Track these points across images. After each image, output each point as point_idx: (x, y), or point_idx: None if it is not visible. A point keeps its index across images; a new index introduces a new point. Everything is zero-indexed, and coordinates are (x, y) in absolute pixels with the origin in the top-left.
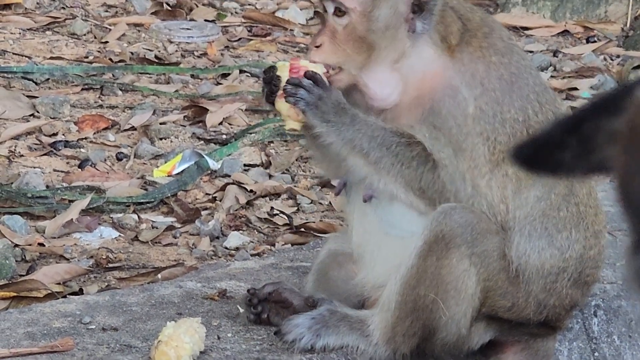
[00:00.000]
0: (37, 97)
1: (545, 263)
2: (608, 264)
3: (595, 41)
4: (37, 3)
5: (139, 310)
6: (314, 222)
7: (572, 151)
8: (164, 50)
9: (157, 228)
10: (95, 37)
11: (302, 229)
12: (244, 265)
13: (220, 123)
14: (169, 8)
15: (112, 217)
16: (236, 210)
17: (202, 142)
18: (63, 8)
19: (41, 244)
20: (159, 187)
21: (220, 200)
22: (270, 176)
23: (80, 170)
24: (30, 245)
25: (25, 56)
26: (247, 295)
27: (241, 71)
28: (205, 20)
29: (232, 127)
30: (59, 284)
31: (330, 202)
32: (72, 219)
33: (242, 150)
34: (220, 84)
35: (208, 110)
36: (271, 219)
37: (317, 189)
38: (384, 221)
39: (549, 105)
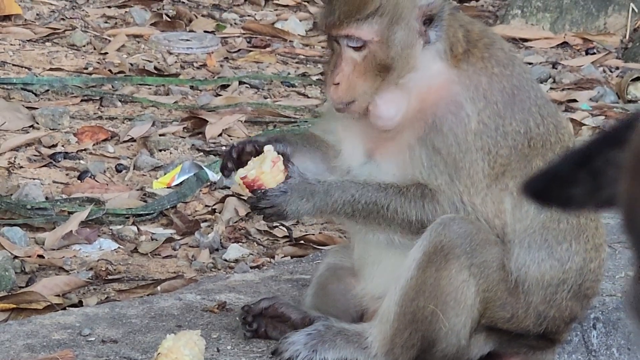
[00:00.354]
0: (36, 108)
1: (545, 274)
2: (607, 276)
3: (594, 53)
4: (37, 14)
5: (139, 322)
6: (313, 235)
7: (583, 186)
8: (164, 61)
9: (156, 240)
10: (94, 49)
11: (302, 242)
12: (244, 277)
13: (220, 134)
14: (169, 19)
15: (111, 229)
16: (236, 222)
17: (201, 153)
18: (63, 19)
19: (41, 256)
20: (158, 198)
21: (219, 212)
22: None
23: (79, 181)
24: (29, 257)
25: (25, 67)
26: (242, 312)
27: (240, 82)
28: (205, 32)
29: (231, 139)
30: (58, 295)
31: None
32: (71, 231)
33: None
34: (220, 95)
35: (207, 121)
36: (271, 231)
37: None
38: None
39: (551, 117)
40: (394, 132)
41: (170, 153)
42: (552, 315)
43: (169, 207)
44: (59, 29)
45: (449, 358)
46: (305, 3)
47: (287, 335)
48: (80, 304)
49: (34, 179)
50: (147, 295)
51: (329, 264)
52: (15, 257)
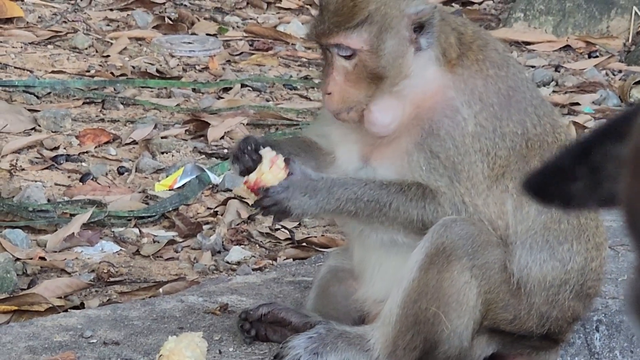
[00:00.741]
0: (38, 110)
1: (547, 275)
2: (610, 279)
3: (597, 56)
4: (39, 17)
5: (141, 324)
6: (315, 237)
7: (583, 182)
8: (166, 64)
9: (158, 242)
10: (96, 51)
11: (304, 244)
12: (246, 279)
13: (222, 137)
14: (171, 22)
15: (113, 231)
16: (238, 224)
17: (203, 156)
18: (65, 22)
19: (42, 258)
20: (160, 201)
21: (221, 215)
22: None
23: (81, 184)
24: (31, 259)
25: (27, 70)
26: (239, 320)
27: (243, 85)
28: (207, 35)
29: (233, 142)
30: (60, 298)
31: None
32: (73, 233)
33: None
34: (222, 98)
35: (209, 124)
36: (273, 233)
37: None
38: (384, 238)
39: (547, 117)
40: (390, 138)
41: (172, 155)
42: (555, 315)
43: (171, 209)
44: (61, 32)
45: None
46: (308, 6)
47: (288, 339)
48: (82, 306)
49: (35, 181)
50: (149, 297)
51: (331, 266)
52: (17, 259)
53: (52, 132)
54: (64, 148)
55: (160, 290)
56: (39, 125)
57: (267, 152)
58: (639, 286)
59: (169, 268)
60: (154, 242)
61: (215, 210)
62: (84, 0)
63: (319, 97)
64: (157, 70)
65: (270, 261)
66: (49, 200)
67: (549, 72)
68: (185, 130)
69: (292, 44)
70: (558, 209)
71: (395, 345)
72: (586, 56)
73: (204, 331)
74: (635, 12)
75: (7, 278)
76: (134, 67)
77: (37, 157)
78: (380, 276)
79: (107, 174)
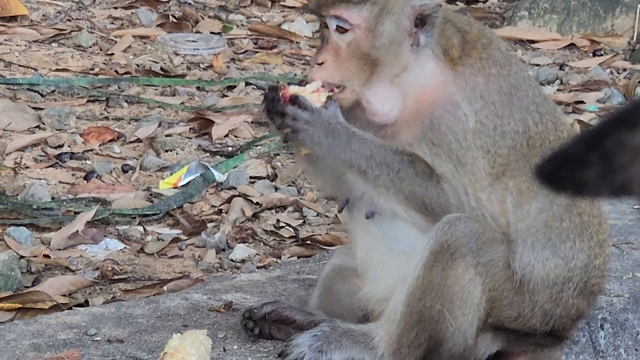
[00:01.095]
0: (42, 108)
1: (550, 273)
2: (615, 277)
3: (601, 55)
4: (43, 15)
5: (145, 322)
6: (320, 235)
7: (596, 170)
8: (170, 62)
9: (162, 240)
10: (101, 49)
11: (308, 242)
12: (250, 277)
13: (226, 135)
14: (175, 20)
15: (117, 229)
16: (242, 222)
17: (207, 154)
18: (69, 20)
19: (47, 256)
20: (164, 199)
21: (226, 213)
22: (276, 188)
23: (85, 182)
24: (35, 256)
25: (31, 68)
26: (242, 319)
27: (247, 83)
28: (211, 33)
29: (238, 140)
30: (64, 295)
31: (336, 215)
32: (77, 231)
33: (248, 163)
34: (226, 96)
35: (214, 122)
36: (277, 231)
37: (323, 202)
38: (387, 237)
39: (549, 115)
40: (391, 134)
41: (177, 154)
42: (559, 313)
43: (175, 207)
44: (65, 30)
45: (456, 357)
46: None
47: (292, 337)
48: (86, 303)
49: (40, 179)
50: (154, 295)
51: (335, 264)
52: (21, 257)
53: (57, 130)
54: (68, 146)
55: (165, 288)
56: (43, 124)
57: (316, 82)
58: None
59: (173, 266)
60: (158, 240)
61: (220, 208)
62: None
63: None
64: (162, 69)
65: (275, 259)
66: (53, 198)
67: (554, 70)
68: (190, 129)
69: (297, 42)
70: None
71: (399, 342)
72: (591, 54)
73: (209, 329)
74: None
75: (11, 276)
76: (138, 66)
77: (41, 155)
78: (384, 274)
79: (111, 172)
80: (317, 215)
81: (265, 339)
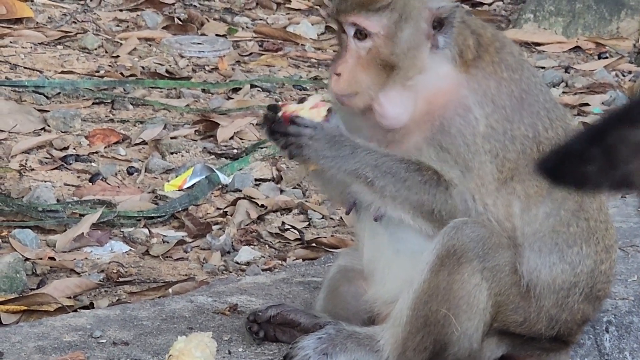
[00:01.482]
0: (48, 111)
1: (556, 278)
2: (620, 280)
3: (607, 57)
4: (49, 17)
5: (150, 324)
6: (325, 237)
7: (597, 164)
8: (175, 64)
9: (168, 242)
10: (106, 52)
11: (314, 244)
12: (255, 280)
13: (231, 138)
14: (180, 23)
15: (122, 232)
16: (247, 225)
17: (213, 156)
18: (74, 22)
19: (52, 258)
20: (169, 201)
21: (231, 215)
22: (281, 191)
23: (91, 184)
24: (41, 259)
25: (37, 70)
26: (247, 322)
27: (252, 86)
28: (217, 35)
29: (243, 142)
30: (69, 297)
31: (341, 217)
32: (82, 233)
33: (253, 165)
34: (231, 98)
35: (219, 124)
36: (282, 233)
37: (328, 204)
38: (395, 239)
39: (559, 121)
40: (400, 135)
41: (182, 156)
42: (564, 318)
43: (180, 209)
44: (71, 32)
45: None
46: (317, 7)
47: (297, 339)
48: (91, 306)
49: (45, 181)
50: (159, 297)
51: (340, 266)
52: (27, 259)
53: (62, 132)
54: (74, 148)
55: (170, 290)
56: (49, 126)
57: (314, 96)
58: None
59: (179, 268)
60: (164, 242)
61: (225, 210)
62: (93, 1)
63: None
64: (167, 71)
65: (280, 261)
66: (58, 201)
67: (559, 73)
68: (195, 131)
69: (302, 44)
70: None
71: (405, 346)
72: (596, 57)
73: (214, 331)
74: None
75: (16, 278)
76: (143, 68)
77: (46, 158)
78: (390, 277)
79: (116, 174)
80: (322, 218)
81: (270, 342)
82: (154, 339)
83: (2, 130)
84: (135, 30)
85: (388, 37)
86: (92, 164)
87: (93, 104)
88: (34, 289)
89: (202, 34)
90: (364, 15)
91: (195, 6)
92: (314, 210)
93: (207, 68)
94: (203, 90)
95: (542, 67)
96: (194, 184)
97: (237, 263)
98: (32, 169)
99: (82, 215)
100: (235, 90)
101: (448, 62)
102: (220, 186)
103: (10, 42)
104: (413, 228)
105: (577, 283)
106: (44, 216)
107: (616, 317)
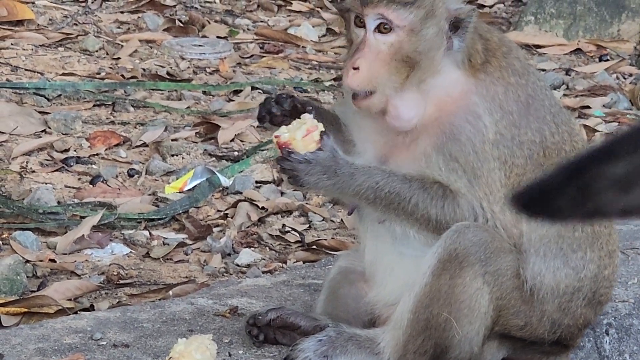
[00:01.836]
0: (49, 113)
1: (560, 283)
2: (620, 282)
3: (607, 60)
4: (50, 19)
5: (150, 326)
6: (325, 240)
7: (572, 198)
8: (176, 66)
9: (168, 245)
10: (107, 54)
11: (314, 247)
12: (256, 282)
13: (232, 140)
14: (181, 25)
15: (123, 234)
16: (248, 227)
17: (213, 158)
18: (75, 24)
19: (52, 260)
20: (170, 203)
21: (231, 217)
22: (282, 193)
23: (91, 186)
24: (41, 261)
25: (38, 72)
26: (246, 326)
27: (253, 88)
28: (218, 37)
29: (244, 144)
30: (70, 300)
31: (342, 220)
32: (83, 235)
33: (254, 167)
34: (232, 100)
35: (220, 127)
36: (283, 236)
37: (329, 207)
38: (398, 241)
39: (565, 125)
40: (409, 139)
41: (183, 158)
42: (566, 323)
43: (181, 212)
44: (72, 34)
45: None
46: (319, 9)
47: (297, 341)
48: (91, 308)
49: (46, 183)
50: (159, 299)
51: (341, 267)
52: (27, 261)
53: (63, 134)
54: (74, 150)
55: (170, 292)
56: (50, 128)
57: (308, 119)
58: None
59: (179, 270)
60: (164, 244)
61: (226, 212)
62: (94, 3)
63: (329, 100)
64: (168, 73)
65: (280, 264)
66: (59, 203)
67: (560, 75)
68: (196, 133)
69: (303, 47)
70: (544, 222)
71: (405, 349)
72: (597, 60)
73: (214, 334)
74: None
75: (17, 280)
76: (144, 70)
77: (47, 160)
78: (392, 279)
79: (117, 177)
80: (322, 220)
81: (270, 344)
82: (154, 341)
83: (3, 132)
84: (136, 32)
85: (412, 33)
86: (93, 166)
87: (94, 106)
88: (34, 291)
89: (203, 36)
90: (392, 7)
91: (196, 8)
92: (315, 213)
93: (208, 70)
94: (204, 93)
95: (543, 70)
96: (195, 186)
97: (238, 265)
98: (33, 171)
99: (82, 217)
100: (236, 92)
101: (458, 66)
102: (220, 188)
103: (11, 44)
104: (418, 240)
105: (580, 288)
106: (44, 218)
107: (616, 320)
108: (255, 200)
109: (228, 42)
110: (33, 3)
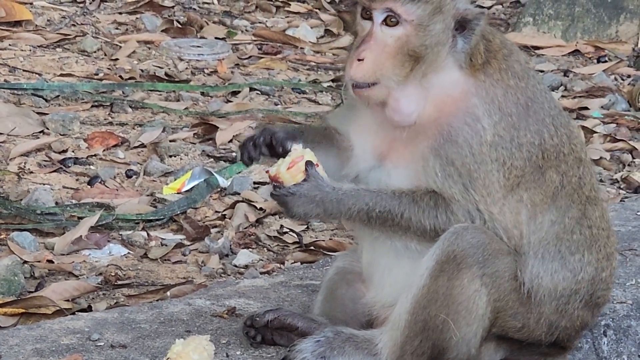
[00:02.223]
0: (47, 113)
1: (558, 285)
2: (618, 283)
3: (606, 61)
4: (48, 20)
5: (148, 327)
6: (323, 241)
7: None
8: (174, 67)
9: (166, 245)
10: (105, 55)
11: (312, 248)
12: (253, 283)
13: (230, 141)
14: (180, 26)
15: (121, 235)
16: (246, 228)
17: (211, 159)
18: (73, 25)
19: (50, 261)
20: (168, 204)
21: (229, 218)
22: None
23: (89, 187)
24: (39, 261)
25: (36, 73)
26: (244, 327)
27: (251, 89)
28: (216, 38)
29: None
30: (67, 300)
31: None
32: (81, 236)
33: (252, 168)
34: (230, 101)
35: (218, 127)
36: (281, 237)
37: None
38: (398, 244)
39: (564, 128)
40: (407, 138)
41: (181, 159)
42: (564, 324)
43: (179, 212)
44: (70, 35)
45: None
46: (317, 10)
47: (295, 342)
48: (89, 308)
49: (44, 184)
50: (157, 300)
51: (339, 267)
52: (25, 261)
53: (61, 135)
54: (72, 151)
55: (168, 293)
56: (47, 128)
57: (294, 151)
58: None
59: (177, 271)
60: (162, 245)
61: (223, 213)
62: (92, 4)
63: (327, 101)
64: (166, 74)
65: (278, 265)
66: (57, 203)
67: (558, 76)
68: (194, 134)
69: (301, 48)
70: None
71: (402, 350)
72: (595, 61)
73: (212, 334)
74: None
75: (14, 281)
76: (142, 71)
77: (45, 160)
78: (389, 281)
79: (115, 177)
80: (320, 221)
81: (268, 345)
82: (152, 342)
83: (1, 133)
84: (135, 33)
85: (420, 27)
86: (91, 166)
87: (92, 106)
88: (32, 292)
89: (202, 37)
90: (400, 1)
91: (194, 9)
92: None
93: (206, 71)
94: (202, 93)
95: (541, 71)
96: (193, 187)
97: (236, 266)
98: (31, 172)
99: (80, 218)
100: (234, 93)
101: (460, 66)
102: (218, 189)
103: (10, 44)
104: (418, 250)
105: (577, 290)
106: (42, 219)
107: (614, 321)
108: (253, 201)
109: (226, 43)
110: (31, 4)
